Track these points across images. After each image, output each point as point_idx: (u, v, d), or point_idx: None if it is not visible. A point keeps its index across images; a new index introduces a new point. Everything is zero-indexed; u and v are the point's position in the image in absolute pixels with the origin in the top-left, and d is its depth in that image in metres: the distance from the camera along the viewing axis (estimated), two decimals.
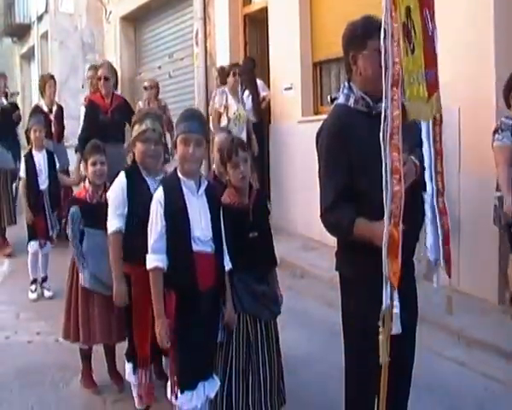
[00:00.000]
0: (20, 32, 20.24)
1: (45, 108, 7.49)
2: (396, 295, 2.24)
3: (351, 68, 2.56)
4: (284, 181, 7.80)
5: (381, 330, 2.21)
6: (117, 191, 3.32)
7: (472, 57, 4.95)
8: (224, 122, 7.06)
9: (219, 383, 3.04)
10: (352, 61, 2.54)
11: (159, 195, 2.85)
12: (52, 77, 7.85)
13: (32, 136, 5.90)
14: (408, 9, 2.16)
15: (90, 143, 4.13)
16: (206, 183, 2.95)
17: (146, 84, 8.08)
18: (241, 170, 3.10)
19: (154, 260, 2.82)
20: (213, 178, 3.63)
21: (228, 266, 3.03)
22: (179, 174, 2.89)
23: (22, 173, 5.85)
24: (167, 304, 2.83)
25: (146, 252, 2.90)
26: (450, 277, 2.36)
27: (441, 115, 2.30)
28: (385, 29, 2.08)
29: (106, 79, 6.35)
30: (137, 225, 3.09)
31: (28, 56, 20.74)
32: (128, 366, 3.45)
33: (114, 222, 3.29)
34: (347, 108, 2.53)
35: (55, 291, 5.76)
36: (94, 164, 3.91)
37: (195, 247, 2.82)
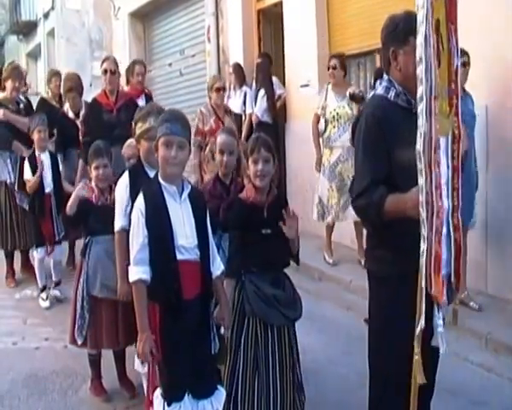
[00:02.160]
0: (26, 29, 20.46)
1: (71, 114, 6.94)
2: (441, 314, 2.29)
3: (389, 63, 2.60)
4: (301, 182, 7.81)
5: (416, 350, 2.24)
6: (121, 191, 3.47)
7: (499, 56, 4.96)
8: (321, 126, 6.51)
9: (225, 394, 3.00)
10: (392, 56, 2.57)
11: (139, 203, 2.81)
12: (78, 77, 7.18)
13: (35, 137, 5.82)
14: (438, 22, 2.20)
15: (93, 146, 4.15)
16: (189, 187, 2.90)
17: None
18: (260, 168, 3.14)
19: (137, 272, 2.76)
20: (214, 181, 3.66)
21: (219, 269, 3.01)
22: (160, 179, 2.84)
23: (27, 175, 5.78)
24: (151, 318, 2.79)
25: None
26: (458, 291, 2.40)
27: (460, 132, 2.34)
28: (425, 38, 2.14)
29: (113, 72, 5.98)
30: None
31: (34, 54, 20.95)
32: (137, 358, 3.54)
33: (119, 221, 3.45)
34: (387, 101, 2.57)
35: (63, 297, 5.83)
36: (96, 168, 3.99)
37: (179, 256, 2.78)
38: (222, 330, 3.09)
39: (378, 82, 2.67)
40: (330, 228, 6.56)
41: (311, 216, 6.58)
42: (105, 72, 5.96)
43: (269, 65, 8.11)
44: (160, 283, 2.76)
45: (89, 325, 3.80)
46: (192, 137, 5.94)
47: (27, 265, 6.75)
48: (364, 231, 4.97)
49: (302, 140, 7.68)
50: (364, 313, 5.09)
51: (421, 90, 2.19)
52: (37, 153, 5.83)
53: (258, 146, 3.18)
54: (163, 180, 2.83)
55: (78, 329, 3.81)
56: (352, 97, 6.05)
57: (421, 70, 2.18)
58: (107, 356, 4.05)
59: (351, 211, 5.73)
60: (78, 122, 6.61)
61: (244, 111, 8.16)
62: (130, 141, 4.02)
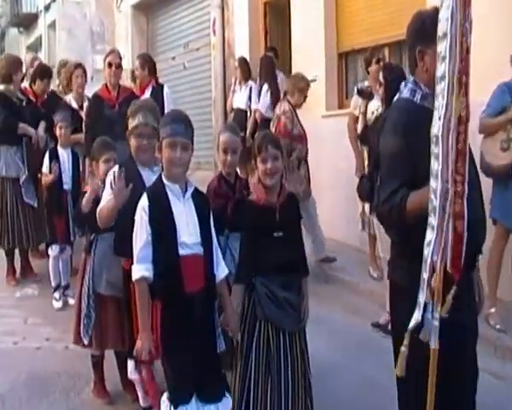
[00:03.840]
0: (27, 21, 20.51)
1: (74, 104, 6.75)
2: (438, 308, 2.27)
3: (416, 63, 2.55)
4: None
5: (405, 342, 2.28)
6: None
7: None
8: (360, 127, 5.90)
9: (231, 403, 3.01)
10: (418, 56, 2.52)
11: (143, 202, 2.87)
12: (80, 65, 6.97)
13: (57, 132, 5.83)
14: None
15: (99, 140, 4.18)
16: (192, 187, 2.97)
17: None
18: (269, 166, 3.12)
19: (140, 269, 2.83)
20: (219, 179, 3.64)
21: (224, 273, 3.03)
22: (164, 180, 2.92)
23: (45, 169, 5.78)
24: (153, 317, 2.84)
25: None
26: (455, 281, 2.35)
27: (467, 114, 2.23)
28: (451, 13, 2.11)
29: (117, 66, 5.96)
30: (131, 219, 3.18)
31: (35, 47, 20.96)
32: (130, 363, 3.59)
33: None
34: (413, 104, 2.53)
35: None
36: (107, 161, 3.96)
37: (182, 251, 2.83)
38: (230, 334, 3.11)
39: (403, 84, 2.62)
40: (373, 239, 6.01)
41: (318, 214, 6.54)
42: (109, 65, 5.95)
43: (273, 59, 8.09)
44: (163, 277, 2.82)
45: (95, 324, 3.79)
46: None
47: (27, 267, 6.73)
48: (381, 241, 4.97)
49: (310, 137, 7.67)
50: (371, 317, 5.18)
51: (443, 68, 2.14)
52: (59, 149, 5.86)
53: (266, 144, 3.16)
54: (167, 180, 2.91)
55: (84, 328, 3.80)
56: (360, 93, 5.96)
57: (444, 47, 2.13)
58: (110, 358, 4.06)
59: None
60: (83, 114, 6.57)
61: (249, 107, 8.15)
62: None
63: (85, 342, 3.85)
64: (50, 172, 5.70)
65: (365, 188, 4.99)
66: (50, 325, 5.29)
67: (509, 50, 4.61)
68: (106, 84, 6.07)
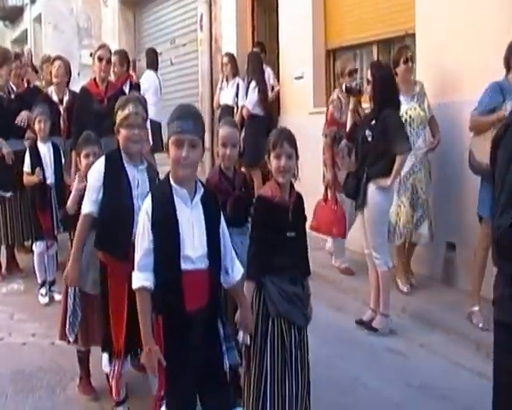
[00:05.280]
0: (13, 15, 20.35)
1: (55, 97, 6.60)
2: None
3: None
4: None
5: None
6: (94, 176, 3.46)
7: None
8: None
9: None
10: None
11: (147, 204, 2.68)
12: (60, 57, 6.86)
13: (36, 127, 5.80)
14: None
15: (83, 134, 4.18)
16: (201, 190, 2.74)
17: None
18: (283, 164, 3.07)
19: (140, 279, 2.66)
20: (219, 175, 3.63)
21: (239, 274, 2.91)
22: (171, 181, 2.69)
23: (27, 168, 5.75)
24: (154, 331, 2.69)
25: (121, 242, 3.21)
26: None
27: None
28: None
29: (107, 61, 5.96)
30: (112, 213, 3.33)
31: (21, 41, 20.76)
32: (104, 356, 3.57)
33: (87, 206, 3.45)
34: None
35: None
36: (87, 156, 3.97)
37: (184, 266, 2.65)
38: (240, 336, 3.06)
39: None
40: (401, 250, 5.76)
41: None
42: (100, 59, 5.93)
43: (260, 55, 8.11)
44: (162, 293, 2.66)
45: (80, 322, 3.80)
46: (325, 127, 5.43)
47: (13, 263, 6.70)
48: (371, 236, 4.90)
49: (296, 134, 7.67)
50: (356, 314, 5.19)
51: None
52: (38, 143, 5.82)
53: (282, 140, 3.10)
54: (174, 182, 2.69)
55: (69, 326, 3.81)
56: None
57: None
58: (96, 354, 4.05)
59: (424, 230, 5.49)
60: (62, 108, 6.55)
61: (236, 103, 8.16)
62: None
63: (71, 340, 3.85)
64: (32, 171, 5.67)
65: (351, 185, 5.02)
66: (36, 321, 5.28)
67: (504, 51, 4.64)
68: (94, 79, 6.04)
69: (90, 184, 3.48)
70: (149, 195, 2.74)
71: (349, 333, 4.97)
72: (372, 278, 5.04)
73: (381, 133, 4.79)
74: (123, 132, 3.41)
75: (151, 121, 8.71)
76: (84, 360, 4.02)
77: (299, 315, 3.16)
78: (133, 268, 2.72)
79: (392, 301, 5.06)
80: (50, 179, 5.78)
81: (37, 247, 5.81)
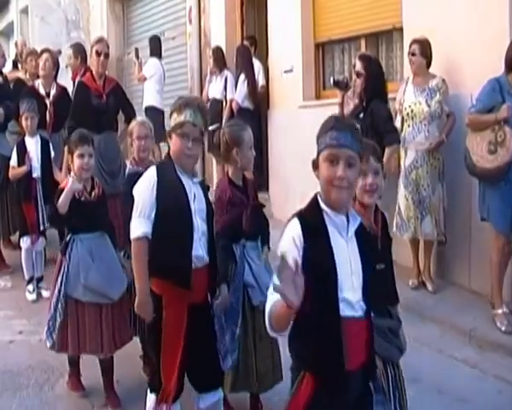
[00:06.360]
0: None
1: (42, 90, 6.57)
2: None
3: None
4: (283, 171, 7.81)
5: None
6: (145, 190, 2.92)
7: None
8: (398, 124, 5.49)
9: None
10: None
11: (294, 232, 2.16)
12: (47, 50, 6.79)
13: (23, 123, 5.76)
14: None
15: (77, 132, 3.95)
16: (357, 219, 2.25)
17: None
18: (370, 181, 2.66)
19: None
20: (231, 187, 3.42)
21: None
22: (321, 204, 2.21)
23: (13, 162, 5.71)
24: (299, 390, 2.19)
25: (181, 266, 2.84)
26: None
27: None
28: None
29: (106, 56, 5.82)
30: (169, 232, 2.87)
31: (7, 33, 20.57)
32: (150, 397, 3.07)
33: (139, 226, 2.89)
34: None
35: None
36: (81, 156, 3.75)
37: (344, 311, 2.14)
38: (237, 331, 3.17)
39: None
40: (414, 245, 5.59)
41: (293, 206, 6.55)
42: (97, 54, 5.81)
43: (249, 49, 8.09)
44: (317, 345, 2.13)
45: (59, 329, 3.65)
46: None
47: None
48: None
49: (285, 128, 7.69)
50: None
51: None
52: (26, 138, 5.78)
53: (367, 155, 2.58)
54: (326, 206, 2.19)
55: (47, 330, 3.68)
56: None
57: None
58: (87, 356, 3.98)
59: (425, 227, 5.32)
60: (48, 102, 6.52)
61: (225, 97, 8.14)
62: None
63: (48, 345, 3.75)
64: (19, 165, 5.63)
65: None
66: (24, 318, 5.24)
67: (504, 48, 4.58)
68: (91, 73, 5.94)
69: (140, 198, 2.93)
70: (294, 220, 2.19)
71: None
72: None
73: (369, 126, 4.78)
74: (175, 141, 2.97)
75: (154, 109, 8.78)
76: (74, 360, 3.94)
77: (394, 349, 2.75)
78: (196, 299, 2.82)
79: None
80: (37, 173, 5.73)
81: (24, 242, 5.76)
